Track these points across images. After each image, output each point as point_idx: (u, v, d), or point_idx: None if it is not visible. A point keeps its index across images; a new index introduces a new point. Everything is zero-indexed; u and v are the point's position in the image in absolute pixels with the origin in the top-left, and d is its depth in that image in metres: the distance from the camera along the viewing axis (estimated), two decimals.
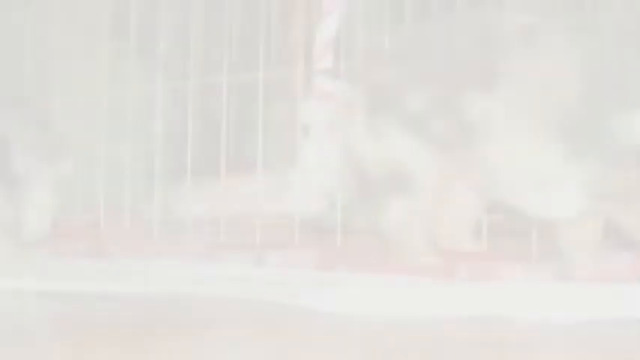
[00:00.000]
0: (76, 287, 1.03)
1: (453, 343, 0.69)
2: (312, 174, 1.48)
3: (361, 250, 1.36)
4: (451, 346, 0.67)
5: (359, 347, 0.64)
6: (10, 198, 1.39)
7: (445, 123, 1.12)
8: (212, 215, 1.58)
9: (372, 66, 1.28)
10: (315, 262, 1.17)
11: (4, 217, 1.40)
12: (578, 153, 1.04)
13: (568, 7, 1.21)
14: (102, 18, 1.96)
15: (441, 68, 1.14)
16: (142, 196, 2.32)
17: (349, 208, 1.56)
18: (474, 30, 1.12)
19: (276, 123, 1.99)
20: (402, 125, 1.16)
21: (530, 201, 1.13)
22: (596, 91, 1.02)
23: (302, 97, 1.49)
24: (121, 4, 1.84)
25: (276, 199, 1.58)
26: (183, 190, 1.77)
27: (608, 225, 1.14)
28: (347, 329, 0.76)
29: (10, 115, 1.51)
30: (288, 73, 1.65)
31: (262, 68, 1.55)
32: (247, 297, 0.93)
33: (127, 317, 0.83)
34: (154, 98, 1.71)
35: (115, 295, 1.00)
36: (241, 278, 1.12)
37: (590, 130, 1.02)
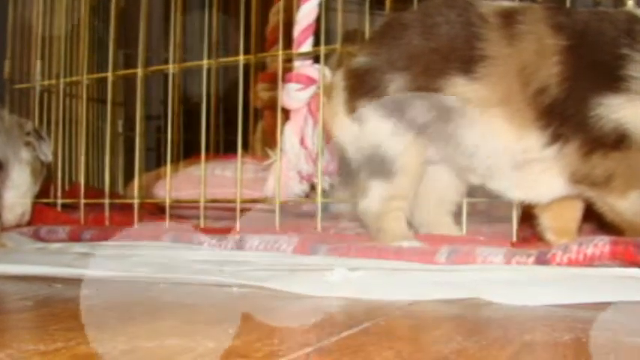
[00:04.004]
0: (55, 271, 1.02)
1: (432, 327, 0.69)
2: (293, 158, 1.47)
3: (341, 235, 1.36)
4: (430, 329, 0.67)
5: (340, 330, 0.64)
6: None
7: (424, 107, 1.12)
8: (192, 199, 1.58)
9: (352, 50, 1.27)
10: (296, 247, 1.17)
11: None
12: (558, 137, 1.04)
13: None
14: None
15: (420, 52, 1.14)
16: (122, 179, 2.32)
17: (329, 192, 1.56)
18: (454, 14, 1.12)
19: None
20: (381, 109, 1.16)
21: (509, 185, 1.13)
22: (575, 75, 1.02)
23: (282, 81, 1.49)
24: None
25: (256, 183, 1.58)
26: (163, 173, 1.77)
27: (587, 209, 1.15)
28: (328, 312, 0.76)
29: None
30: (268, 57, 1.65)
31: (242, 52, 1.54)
32: (227, 281, 0.93)
33: (106, 301, 0.83)
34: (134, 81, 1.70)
35: (94, 279, 1.00)
36: (221, 262, 1.12)
37: (570, 114, 1.02)
